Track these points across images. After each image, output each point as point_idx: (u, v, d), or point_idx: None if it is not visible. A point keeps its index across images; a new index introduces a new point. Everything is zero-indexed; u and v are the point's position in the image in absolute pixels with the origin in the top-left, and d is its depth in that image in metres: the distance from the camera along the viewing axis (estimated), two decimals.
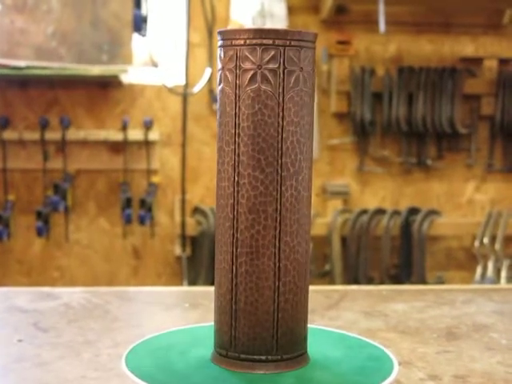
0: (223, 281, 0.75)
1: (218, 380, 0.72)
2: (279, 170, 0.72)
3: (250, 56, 0.72)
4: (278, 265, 0.73)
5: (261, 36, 0.72)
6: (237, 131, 0.73)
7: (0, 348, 0.82)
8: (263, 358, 0.74)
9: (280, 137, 0.72)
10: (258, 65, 0.72)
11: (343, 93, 3.14)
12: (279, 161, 0.72)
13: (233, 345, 0.75)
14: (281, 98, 0.72)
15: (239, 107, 0.73)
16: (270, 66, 0.72)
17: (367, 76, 3.11)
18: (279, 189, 0.73)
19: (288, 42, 0.71)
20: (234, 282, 0.74)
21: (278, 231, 0.73)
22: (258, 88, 0.72)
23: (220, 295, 0.76)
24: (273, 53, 0.72)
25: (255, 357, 0.74)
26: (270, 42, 0.71)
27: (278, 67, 0.72)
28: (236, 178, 0.73)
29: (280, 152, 0.72)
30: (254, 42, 0.72)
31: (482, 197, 3.27)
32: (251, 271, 0.73)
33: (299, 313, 0.75)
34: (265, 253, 0.73)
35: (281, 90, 0.72)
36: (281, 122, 0.72)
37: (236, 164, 0.73)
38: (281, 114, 0.72)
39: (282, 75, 0.72)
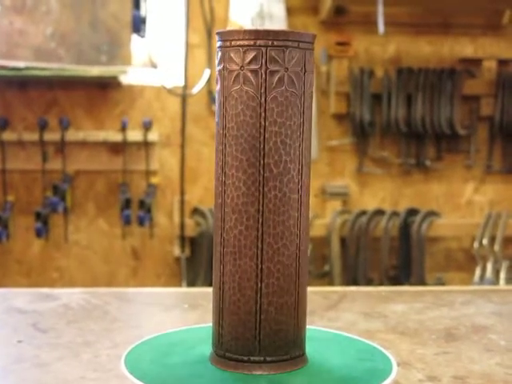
0: (215, 279, 0.76)
1: (207, 378, 0.72)
2: (261, 171, 0.72)
3: (234, 57, 0.73)
4: (260, 266, 0.73)
5: (243, 37, 0.72)
6: (224, 132, 0.74)
7: None
8: (245, 358, 0.74)
9: (262, 137, 0.72)
10: (241, 66, 0.72)
11: (342, 94, 3.14)
12: (261, 161, 0.72)
13: (220, 343, 0.76)
14: (263, 99, 0.72)
15: (226, 108, 0.74)
16: (252, 66, 0.72)
17: (366, 77, 3.11)
18: (261, 190, 0.72)
19: (270, 43, 0.71)
20: (221, 280, 0.75)
21: (260, 232, 0.73)
22: (240, 89, 0.72)
23: (214, 293, 0.77)
24: (254, 53, 0.72)
25: (238, 356, 0.74)
26: (252, 42, 0.72)
27: (260, 68, 0.72)
28: (223, 178, 0.74)
29: (262, 153, 0.72)
30: (238, 43, 0.72)
31: (481, 198, 3.28)
32: (234, 271, 0.74)
33: (285, 316, 0.74)
34: (247, 253, 0.73)
35: (263, 91, 0.72)
36: (263, 123, 0.72)
37: (223, 164, 0.74)
38: (263, 114, 0.72)
39: (263, 76, 0.72)
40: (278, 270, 0.73)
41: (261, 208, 0.73)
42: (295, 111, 0.73)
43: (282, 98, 0.72)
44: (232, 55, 0.73)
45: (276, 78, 0.72)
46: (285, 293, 0.74)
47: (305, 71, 0.73)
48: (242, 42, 0.72)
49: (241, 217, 0.73)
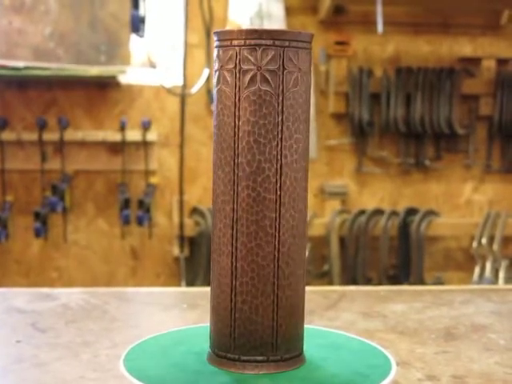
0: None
1: (202, 376, 0.72)
2: (236, 170, 0.73)
3: (217, 58, 0.74)
4: (234, 264, 0.74)
5: (223, 38, 0.73)
6: (213, 131, 0.76)
7: None
8: (223, 354, 0.75)
9: (236, 137, 0.73)
10: (221, 65, 0.74)
11: (341, 93, 3.14)
12: (236, 161, 0.73)
13: (210, 338, 0.78)
14: (237, 98, 0.72)
15: (214, 108, 0.75)
16: (228, 66, 0.73)
17: (365, 76, 3.11)
18: (236, 189, 0.73)
19: (243, 42, 0.72)
20: (210, 277, 0.77)
21: (235, 230, 0.73)
22: (220, 88, 0.74)
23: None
24: (230, 53, 0.73)
25: (219, 352, 0.76)
26: (228, 43, 0.73)
27: (234, 67, 0.72)
28: (213, 176, 0.76)
29: (236, 152, 0.73)
30: (218, 43, 0.74)
31: (480, 197, 3.28)
32: (216, 268, 0.75)
33: (261, 317, 0.73)
34: (224, 251, 0.74)
35: (237, 90, 0.72)
36: (237, 122, 0.73)
37: (214, 162, 0.76)
38: (237, 113, 0.72)
39: (237, 75, 0.72)
40: (253, 270, 0.73)
41: (235, 207, 0.73)
42: (270, 110, 0.72)
43: (255, 97, 0.72)
44: (215, 55, 0.74)
45: (248, 77, 0.72)
46: (260, 294, 0.73)
47: (283, 69, 0.72)
48: (222, 43, 0.73)
49: (220, 215, 0.74)
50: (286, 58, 0.72)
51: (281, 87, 0.72)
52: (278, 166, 0.73)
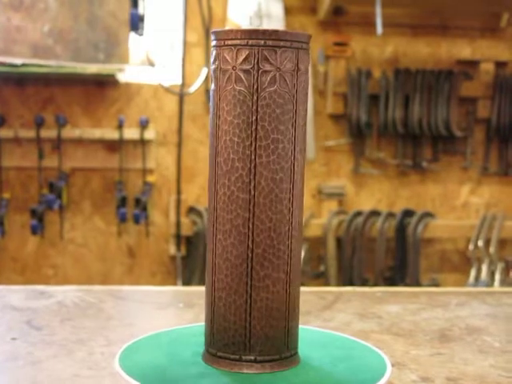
0: None
1: (198, 374, 0.72)
2: (216, 168, 0.74)
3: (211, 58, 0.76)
4: (214, 261, 0.75)
5: (214, 38, 0.74)
6: None
7: None
8: (207, 349, 0.76)
9: (217, 135, 0.74)
10: (211, 66, 0.75)
11: (340, 94, 3.14)
12: (216, 159, 0.74)
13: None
14: (218, 97, 0.73)
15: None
16: (213, 66, 0.74)
17: (364, 77, 3.11)
18: (215, 186, 0.74)
19: (223, 42, 0.73)
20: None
21: (214, 228, 0.74)
22: (211, 88, 0.75)
23: None
24: (214, 53, 0.74)
25: (206, 347, 0.77)
26: (214, 43, 0.74)
27: (216, 68, 0.74)
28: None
29: (216, 150, 0.74)
30: (213, 43, 0.75)
31: (477, 200, 3.28)
32: (207, 264, 0.77)
33: (233, 315, 0.74)
34: (209, 248, 0.76)
35: (218, 89, 0.73)
36: (217, 121, 0.73)
37: None
38: (217, 112, 0.73)
39: (219, 75, 0.73)
40: (227, 268, 0.74)
41: (215, 205, 0.74)
42: (244, 109, 0.72)
43: (231, 96, 0.72)
44: (211, 56, 0.76)
45: (226, 77, 0.73)
46: (233, 292, 0.74)
47: (258, 69, 0.72)
48: (213, 43, 0.74)
49: (208, 212, 0.76)
50: (262, 57, 0.72)
51: (255, 86, 0.72)
52: (252, 165, 0.72)
